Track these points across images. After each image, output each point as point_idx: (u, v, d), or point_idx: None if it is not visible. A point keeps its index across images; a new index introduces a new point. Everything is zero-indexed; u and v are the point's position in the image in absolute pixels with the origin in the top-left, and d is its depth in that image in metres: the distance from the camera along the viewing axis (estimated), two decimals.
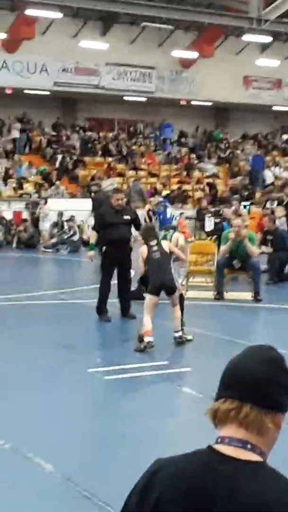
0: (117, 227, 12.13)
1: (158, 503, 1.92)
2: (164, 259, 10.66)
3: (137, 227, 12.46)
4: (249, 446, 1.94)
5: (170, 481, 1.93)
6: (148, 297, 10.60)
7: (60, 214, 25.46)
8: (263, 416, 1.95)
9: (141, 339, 10.16)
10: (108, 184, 30.08)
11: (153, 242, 10.80)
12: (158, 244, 10.80)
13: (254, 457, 1.93)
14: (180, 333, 10.59)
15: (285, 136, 39.33)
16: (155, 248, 10.72)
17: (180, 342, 10.53)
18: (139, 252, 11.00)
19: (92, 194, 24.57)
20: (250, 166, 34.58)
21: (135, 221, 12.56)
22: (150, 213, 27.71)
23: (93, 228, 12.77)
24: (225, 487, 1.87)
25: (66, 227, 24.62)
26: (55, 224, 25.18)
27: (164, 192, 30.86)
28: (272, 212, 18.61)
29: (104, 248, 12.26)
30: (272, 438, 2.00)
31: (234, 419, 1.96)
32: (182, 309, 10.89)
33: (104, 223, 12.18)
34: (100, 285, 12.34)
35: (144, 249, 10.86)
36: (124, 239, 12.26)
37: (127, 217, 12.38)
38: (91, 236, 12.55)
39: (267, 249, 16.80)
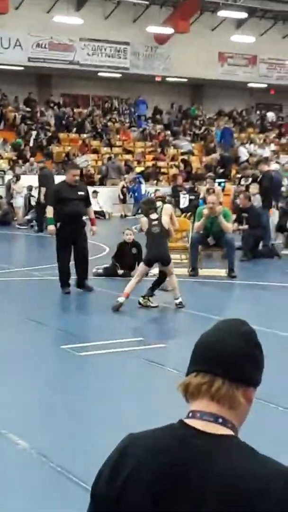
0: (72, 203, 12.19)
1: (129, 477, 1.90)
2: (162, 234, 11.29)
3: (87, 205, 12.61)
4: (220, 420, 1.92)
5: (142, 455, 1.91)
6: (143, 266, 11.25)
7: (30, 188, 25.34)
8: (235, 390, 1.94)
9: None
10: (83, 160, 30.00)
11: (154, 216, 11.31)
12: (159, 218, 11.31)
13: (226, 431, 1.92)
14: (179, 299, 11.29)
15: (270, 114, 39.24)
16: (155, 222, 11.27)
17: (180, 307, 11.20)
18: (140, 222, 11.58)
19: (39, 170, 24.52)
20: (218, 140, 34.70)
21: (87, 199, 12.69)
22: (124, 189, 27.72)
23: (49, 203, 12.75)
24: (197, 460, 1.85)
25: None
26: (27, 202, 25.03)
27: (139, 169, 30.83)
28: (247, 189, 18.61)
29: (58, 223, 12.24)
30: (243, 412, 1.98)
31: (205, 393, 1.94)
32: (161, 282, 11.66)
33: (59, 198, 12.17)
34: (58, 258, 12.41)
35: (145, 221, 11.41)
36: (78, 215, 12.40)
37: (81, 193, 12.45)
38: (48, 211, 12.52)
39: (243, 226, 16.83)
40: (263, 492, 1.80)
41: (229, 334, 2.00)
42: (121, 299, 11.02)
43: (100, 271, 14.01)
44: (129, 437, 2.00)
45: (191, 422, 1.94)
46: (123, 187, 28.15)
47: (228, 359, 1.95)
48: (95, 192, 27.44)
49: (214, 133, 35.51)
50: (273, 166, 24.77)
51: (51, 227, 12.49)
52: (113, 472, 1.94)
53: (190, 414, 1.96)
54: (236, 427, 1.96)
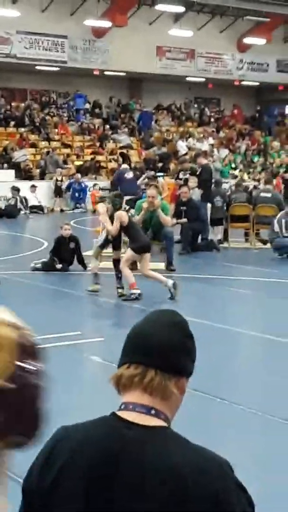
0: None
1: (62, 470, 1.88)
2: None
3: None
4: (153, 411, 1.92)
5: (74, 448, 1.90)
6: (132, 254, 11.66)
7: None
8: (167, 381, 1.93)
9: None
10: (21, 155, 29.77)
11: (127, 208, 11.41)
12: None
13: (159, 422, 1.91)
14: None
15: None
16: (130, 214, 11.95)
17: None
18: (116, 216, 11.53)
19: None
20: (137, 124, 35.06)
21: None
22: (59, 183, 27.57)
23: None
24: (131, 452, 1.85)
25: None
26: None
27: (77, 163, 30.73)
28: (185, 183, 18.66)
29: None
30: (176, 403, 1.98)
31: (138, 385, 1.94)
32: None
33: None
34: None
35: (123, 214, 11.71)
36: None
37: None
38: None
39: (182, 220, 16.87)
40: (199, 476, 1.80)
41: (161, 325, 1.99)
42: (135, 291, 11.40)
43: (38, 265, 13.91)
44: (61, 430, 1.99)
45: (124, 414, 1.93)
46: (57, 180, 28.04)
47: (160, 349, 1.94)
48: (33, 186, 27.29)
49: (156, 129, 35.72)
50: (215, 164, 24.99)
51: None
52: (45, 465, 1.92)
53: (123, 406, 1.95)
54: (169, 418, 1.96)
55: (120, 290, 11.83)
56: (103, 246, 12.25)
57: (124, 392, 1.97)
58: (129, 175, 17.54)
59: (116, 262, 12.07)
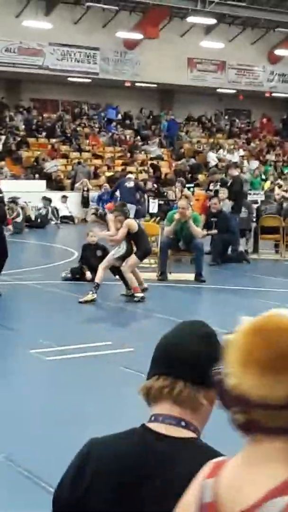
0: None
1: (92, 482, 1.89)
2: None
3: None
4: (183, 423, 1.92)
5: (104, 460, 1.91)
6: (137, 261, 12.33)
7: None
8: (197, 392, 1.94)
9: (132, 294, 12.18)
10: (52, 165, 29.95)
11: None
12: None
13: (189, 433, 1.92)
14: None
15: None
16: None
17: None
18: (126, 223, 12.10)
19: None
20: (163, 131, 35.12)
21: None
22: (85, 193, 27.63)
23: None
24: (160, 464, 1.85)
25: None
26: None
27: (108, 174, 30.82)
28: (216, 194, 18.67)
29: None
30: (206, 415, 1.98)
31: (167, 397, 1.94)
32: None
33: None
34: None
35: (133, 222, 12.44)
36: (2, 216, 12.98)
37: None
38: None
39: (212, 231, 16.86)
40: None
41: (190, 336, 2.00)
42: (138, 295, 12.09)
43: (69, 275, 13.97)
44: (91, 442, 1.99)
45: (153, 425, 1.93)
46: (83, 190, 28.12)
47: (189, 361, 1.94)
48: (64, 197, 27.42)
49: (187, 140, 35.77)
50: (245, 176, 24.95)
51: None
52: (75, 477, 1.93)
53: (153, 418, 1.95)
54: (199, 429, 1.96)
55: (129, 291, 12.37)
56: (122, 258, 12.37)
57: (154, 404, 1.97)
58: (130, 184, 17.65)
59: (115, 269, 12.56)
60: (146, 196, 21.28)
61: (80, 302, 11.90)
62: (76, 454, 1.98)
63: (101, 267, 12.30)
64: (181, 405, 1.93)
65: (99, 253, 13.90)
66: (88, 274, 13.73)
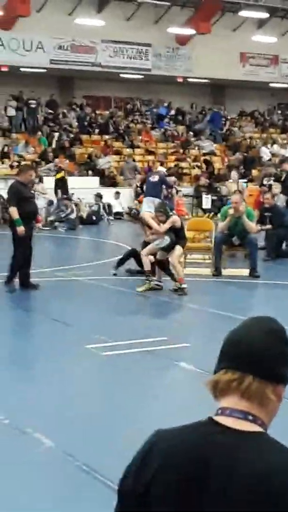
0: (31, 201, 12.82)
1: (156, 474, 1.90)
2: None
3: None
4: (250, 417, 1.92)
5: (169, 452, 1.92)
6: (181, 251, 12.79)
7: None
8: (265, 387, 1.93)
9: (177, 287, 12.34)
10: (105, 162, 30.06)
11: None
12: None
13: (255, 428, 1.92)
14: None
15: None
16: None
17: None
18: (172, 220, 12.53)
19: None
20: (206, 124, 34.98)
21: None
22: (138, 189, 27.65)
23: (12, 204, 12.60)
24: (225, 458, 1.85)
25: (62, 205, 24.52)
26: (50, 202, 25.05)
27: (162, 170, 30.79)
28: (270, 189, 18.55)
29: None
30: (273, 410, 1.98)
31: (235, 390, 1.94)
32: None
33: (21, 197, 12.41)
34: (17, 257, 12.52)
35: (178, 218, 12.88)
36: (36, 213, 13.29)
37: (32, 192, 13.31)
38: (13, 211, 12.42)
39: (266, 226, 16.76)
40: None
41: (259, 331, 2.00)
42: (184, 285, 12.27)
43: (133, 269, 14.09)
44: (156, 434, 2.00)
45: (220, 419, 1.93)
46: (137, 186, 28.13)
47: (258, 356, 1.94)
48: (117, 193, 27.51)
49: (240, 135, 35.59)
50: None
51: (22, 228, 12.39)
52: (140, 469, 1.95)
53: (220, 411, 1.96)
54: (266, 424, 1.96)
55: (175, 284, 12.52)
56: (165, 249, 12.53)
57: (221, 397, 1.97)
58: (154, 178, 17.77)
59: (160, 263, 12.75)
60: (173, 190, 21.31)
61: (138, 291, 12.26)
62: (142, 444, 1.99)
63: (143, 255, 12.65)
64: (249, 399, 1.93)
65: None
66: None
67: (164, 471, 1.90)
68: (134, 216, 12.85)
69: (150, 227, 13.22)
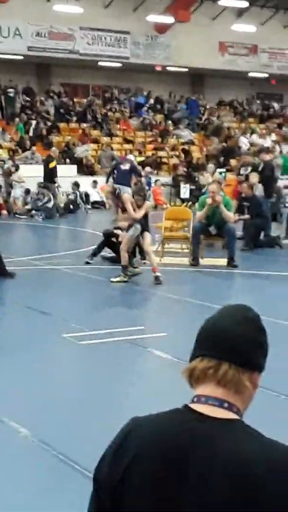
0: None
1: (133, 461, 1.89)
2: None
3: None
4: (226, 404, 1.92)
5: (146, 439, 1.90)
6: (151, 237, 12.85)
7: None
8: (241, 374, 1.93)
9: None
10: (83, 150, 29.94)
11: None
12: None
13: (231, 415, 1.91)
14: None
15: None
16: None
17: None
18: (146, 205, 12.83)
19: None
20: (184, 111, 35.09)
21: None
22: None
23: None
24: (202, 445, 1.84)
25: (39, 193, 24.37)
26: (27, 191, 24.90)
27: (139, 159, 30.75)
28: (247, 178, 18.55)
29: None
30: (249, 397, 1.98)
31: (211, 378, 1.94)
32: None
33: None
34: None
35: (150, 204, 13.53)
36: None
37: None
38: None
39: (244, 216, 16.77)
40: (270, 474, 1.79)
41: (235, 319, 2.00)
42: (158, 274, 12.21)
43: (108, 255, 14.08)
44: (133, 421, 1.99)
45: (196, 406, 1.93)
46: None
47: (234, 343, 1.94)
48: (95, 182, 27.41)
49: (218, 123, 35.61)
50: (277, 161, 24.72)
51: None
52: (116, 456, 1.93)
53: (195, 399, 1.95)
54: (242, 411, 1.96)
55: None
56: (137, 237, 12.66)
57: (196, 385, 1.97)
58: (125, 166, 17.87)
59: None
60: (142, 179, 21.37)
61: (112, 282, 12.13)
62: (118, 432, 1.98)
63: (123, 250, 12.42)
64: (225, 387, 1.93)
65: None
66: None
67: (140, 459, 1.88)
68: (118, 195, 12.77)
69: (124, 210, 13.03)
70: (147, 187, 26.61)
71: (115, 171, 19.56)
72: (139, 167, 21.05)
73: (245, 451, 1.82)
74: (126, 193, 13.79)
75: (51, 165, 24.72)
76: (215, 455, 1.82)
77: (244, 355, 1.94)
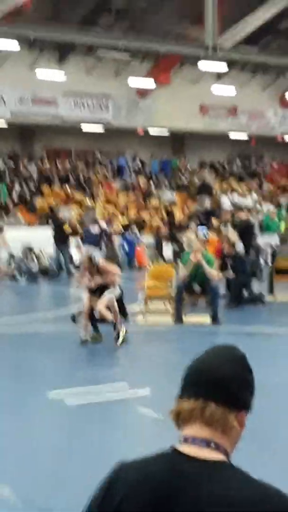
0: None
1: (121, 504, 1.88)
2: None
3: None
4: (213, 445, 1.91)
5: (133, 483, 1.90)
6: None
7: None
8: (228, 414, 1.93)
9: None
10: (66, 212, 30.05)
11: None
12: None
13: (218, 456, 1.91)
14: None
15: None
16: None
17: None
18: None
19: None
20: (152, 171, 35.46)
21: None
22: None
23: None
24: (189, 487, 1.84)
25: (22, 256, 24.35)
26: (11, 255, 24.86)
27: (123, 221, 30.90)
28: (226, 237, 18.67)
29: None
30: (236, 437, 1.98)
31: (198, 418, 1.93)
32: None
33: None
34: None
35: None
36: None
37: None
38: None
39: (228, 273, 16.77)
40: None
41: (222, 358, 2.01)
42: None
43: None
44: (120, 464, 1.99)
45: (183, 448, 1.92)
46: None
47: (221, 383, 1.95)
48: (79, 246, 27.35)
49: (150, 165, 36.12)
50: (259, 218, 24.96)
51: None
52: (104, 500, 1.93)
53: (182, 439, 1.95)
54: (229, 452, 1.95)
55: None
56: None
57: (183, 426, 1.96)
58: (94, 229, 18.29)
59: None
60: (112, 239, 21.59)
61: (120, 344, 12.01)
62: (104, 477, 1.98)
63: (101, 308, 12.19)
64: (212, 427, 1.92)
65: None
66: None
67: (128, 501, 1.87)
68: (96, 263, 12.69)
69: (100, 273, 12.63)
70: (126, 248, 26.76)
71: (86, 232, 19.80)
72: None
73: (233, 492, 1.81)
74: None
75: (66, 227, 24.90)
76: (201, 498, 1.81)
77: (231, 395, 1.94)
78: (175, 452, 1.92)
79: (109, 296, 12.30)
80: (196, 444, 1.91)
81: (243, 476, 1.88)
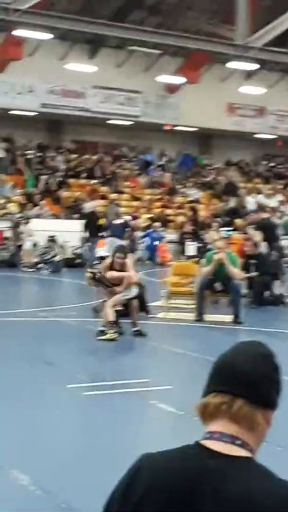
0: None
1: (142, 498, 1.87)
2: None
3: None
4: (238, 441, 1.90)
5: (155, 476, 1.89)
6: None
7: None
8: (255, 411, 1.92)
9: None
10: (91, 206, 30.09)
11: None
12: None
13: (244, 452, 1.89)
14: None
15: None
16: None
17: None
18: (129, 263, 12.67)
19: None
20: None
21: None
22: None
23: None
24: (212, 483, 1.83)
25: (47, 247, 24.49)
26: (36, 246, 25.01)
27: (146, 216, 30.91)
28: (251, 237, 18.67)
29: None
30: (262, 435, 1.96)
31: (225, 414, 1.92)
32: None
33: None
34: None
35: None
36: None
37: None
38: None
39: (252, 273, 16.75)
40: (283, 510, 1.78)
41: (249, 355, 1.99)
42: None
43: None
44: (143, 457, 1.98)
45: (208, 443, 1.91)
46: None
47: (248, 380, 1.93)
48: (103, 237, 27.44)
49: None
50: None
51: None
52: (126, 492, 1.92)
53: (208, 435, 1.93)
54: (254, 449, 1.93)
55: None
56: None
57: (209, 421, 1.95)
58: (117, 221, 18.37)
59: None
60: (135, 233, 21.60)
61: (99, 339, 11.81)
62: (127, 470, 1.96)
63: (109, 307, 12.13)
64: (238, 424, 1.91)
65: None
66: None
67: (150, 495, 1.86)
68: (99, 280, 12.47)
69: (111, 285, 12.50)
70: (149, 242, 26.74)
71: (109, 224, 19.83)
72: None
73: (257, 489, 1.81)
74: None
75: (101, 221, 25.01)
76: (225, 494, 1.80)
77: (259, 392, 1.92)
78: (200, 447, 1.91)
79: (122, 298, 12.32)
80: (222, 440, 1.89)
81: (268, 473, 1.87)
